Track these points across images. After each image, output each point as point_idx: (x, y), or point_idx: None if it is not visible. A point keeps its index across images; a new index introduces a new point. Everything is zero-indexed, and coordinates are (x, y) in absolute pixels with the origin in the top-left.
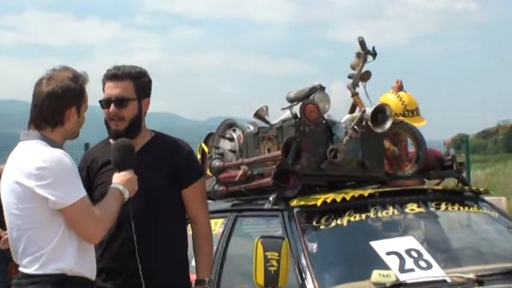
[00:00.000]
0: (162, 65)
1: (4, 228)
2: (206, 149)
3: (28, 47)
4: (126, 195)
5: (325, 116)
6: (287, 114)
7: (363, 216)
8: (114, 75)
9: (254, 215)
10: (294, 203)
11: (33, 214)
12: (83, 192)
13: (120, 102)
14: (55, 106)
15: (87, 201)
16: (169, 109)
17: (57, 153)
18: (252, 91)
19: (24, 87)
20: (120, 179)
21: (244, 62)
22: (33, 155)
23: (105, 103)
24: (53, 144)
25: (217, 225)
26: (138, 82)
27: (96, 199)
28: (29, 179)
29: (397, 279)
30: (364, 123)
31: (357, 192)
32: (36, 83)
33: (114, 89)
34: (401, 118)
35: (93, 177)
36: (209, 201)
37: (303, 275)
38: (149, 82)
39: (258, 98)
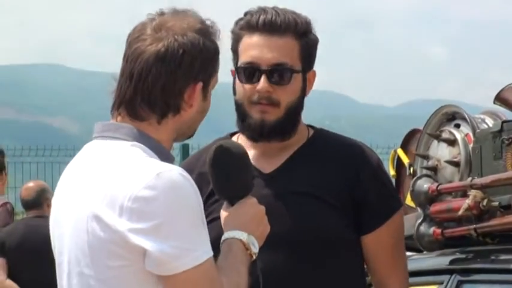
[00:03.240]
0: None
1: None
2: (405, 160)
3: None
4: (255, 249)
5: None
6: None
7: None
8: (271, 23)
9: (494, 281)
10: None
11: (120, 279)
12: (209, 251)
13: (279, 73)
14: (170, 80)
15: (213, 267)
16: (331, 85)
17: (172, 173)
18: (486, 54)
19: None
20: (238, 220)
21: None
22: (128, 173)
23: (247, 73)
24: (162, 152)
25: None
26: (305, 41)
27: None
28: (119, 216)
29: None
30: None
31: None
32: (131, 33)
33: (267, 50)
34: None
35: None
36: (410, 253)
37: None
38: (317, 41)
39: (496, 67)
